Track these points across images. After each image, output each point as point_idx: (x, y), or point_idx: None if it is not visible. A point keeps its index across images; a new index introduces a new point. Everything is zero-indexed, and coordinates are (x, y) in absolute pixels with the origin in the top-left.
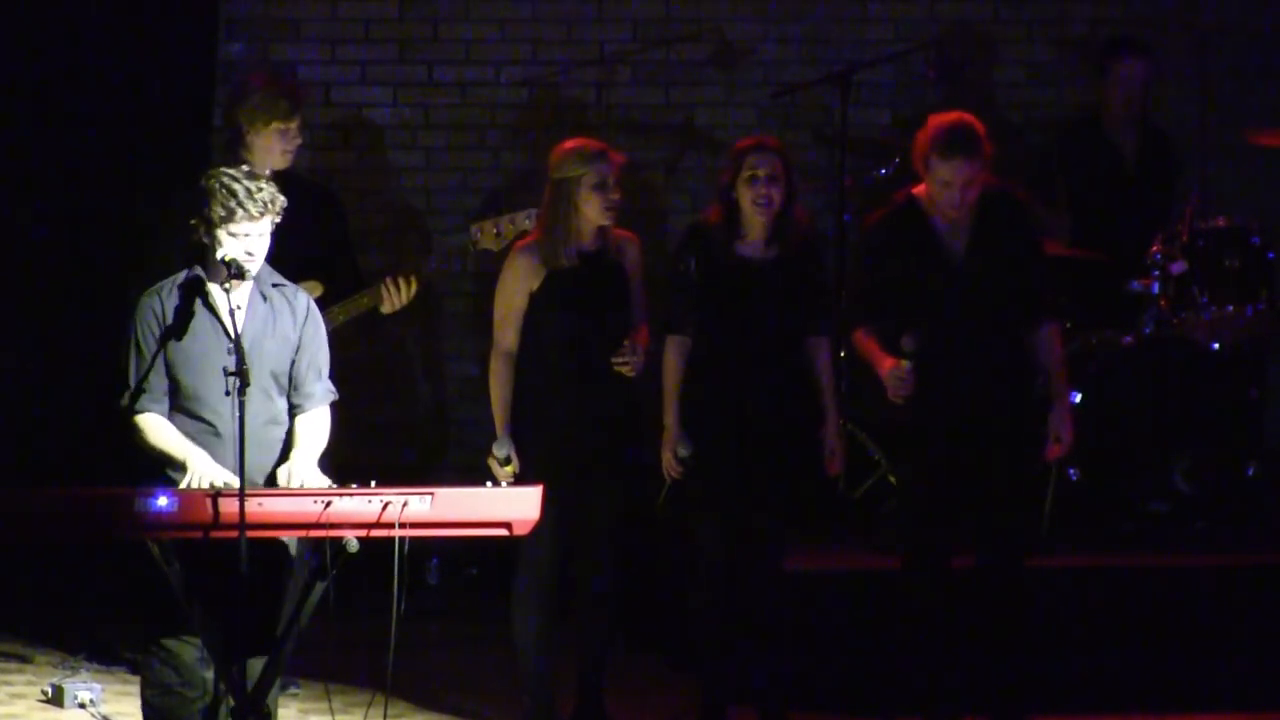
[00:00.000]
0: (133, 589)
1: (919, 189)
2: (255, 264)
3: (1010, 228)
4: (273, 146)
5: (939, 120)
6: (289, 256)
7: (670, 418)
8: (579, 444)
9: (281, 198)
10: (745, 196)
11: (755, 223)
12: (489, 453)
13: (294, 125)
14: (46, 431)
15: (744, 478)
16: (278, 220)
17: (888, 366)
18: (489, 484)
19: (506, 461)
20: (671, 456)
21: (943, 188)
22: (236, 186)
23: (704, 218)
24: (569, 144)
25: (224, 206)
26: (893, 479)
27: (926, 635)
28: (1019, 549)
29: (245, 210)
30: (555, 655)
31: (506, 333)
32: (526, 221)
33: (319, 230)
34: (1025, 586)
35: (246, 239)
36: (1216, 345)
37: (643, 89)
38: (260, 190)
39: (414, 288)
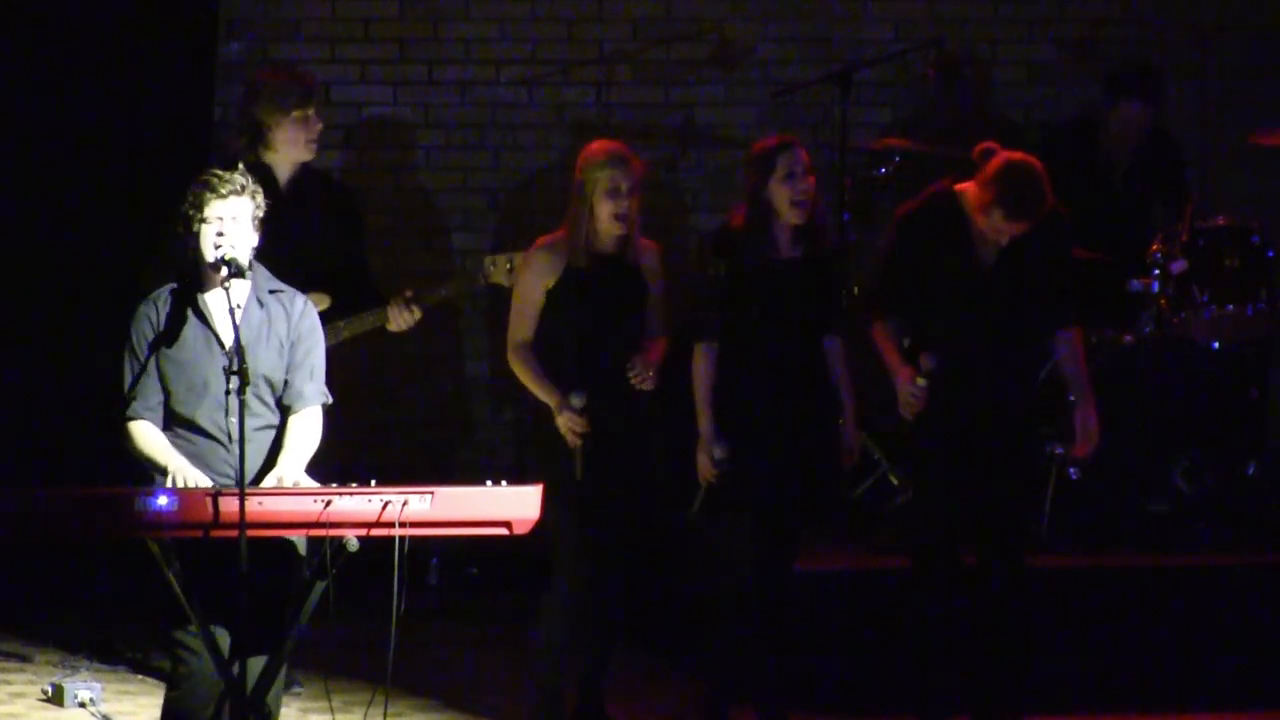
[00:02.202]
0: (149, 588)
1: (964, 186)
2: (238, 252)
3: (1046, 236)
4: (295, 137)
5: (1014, 169)
6: (302, 259)
7: (705, 422)
8: (590, 442)
9: (258, 188)
10: (781, 195)
11: (789, 221)
12: (562, 408)
13: (311, 111)
14: (46, 431)
15: (777, 478)
16: (260, 213)
17: (903, 380)
18: (489, 482)
19: (583, 411)
20: (708, 460)
21: (995, 233)
22: (206, 177)
23: (729, 222)
24: (595, 145)
25: (194, 194)
26: (894, 479)
27: (935, 637)
28: (1021, 552)
29: (213, 192)
30: (572, 656)
31: (522, 325)
32: None
33: (335, 233)
34: (1026, 588)
35: (219, 221)
36: (1216, 345)
37: (643, 89)
38: (231, 176)
39: (418, 315)
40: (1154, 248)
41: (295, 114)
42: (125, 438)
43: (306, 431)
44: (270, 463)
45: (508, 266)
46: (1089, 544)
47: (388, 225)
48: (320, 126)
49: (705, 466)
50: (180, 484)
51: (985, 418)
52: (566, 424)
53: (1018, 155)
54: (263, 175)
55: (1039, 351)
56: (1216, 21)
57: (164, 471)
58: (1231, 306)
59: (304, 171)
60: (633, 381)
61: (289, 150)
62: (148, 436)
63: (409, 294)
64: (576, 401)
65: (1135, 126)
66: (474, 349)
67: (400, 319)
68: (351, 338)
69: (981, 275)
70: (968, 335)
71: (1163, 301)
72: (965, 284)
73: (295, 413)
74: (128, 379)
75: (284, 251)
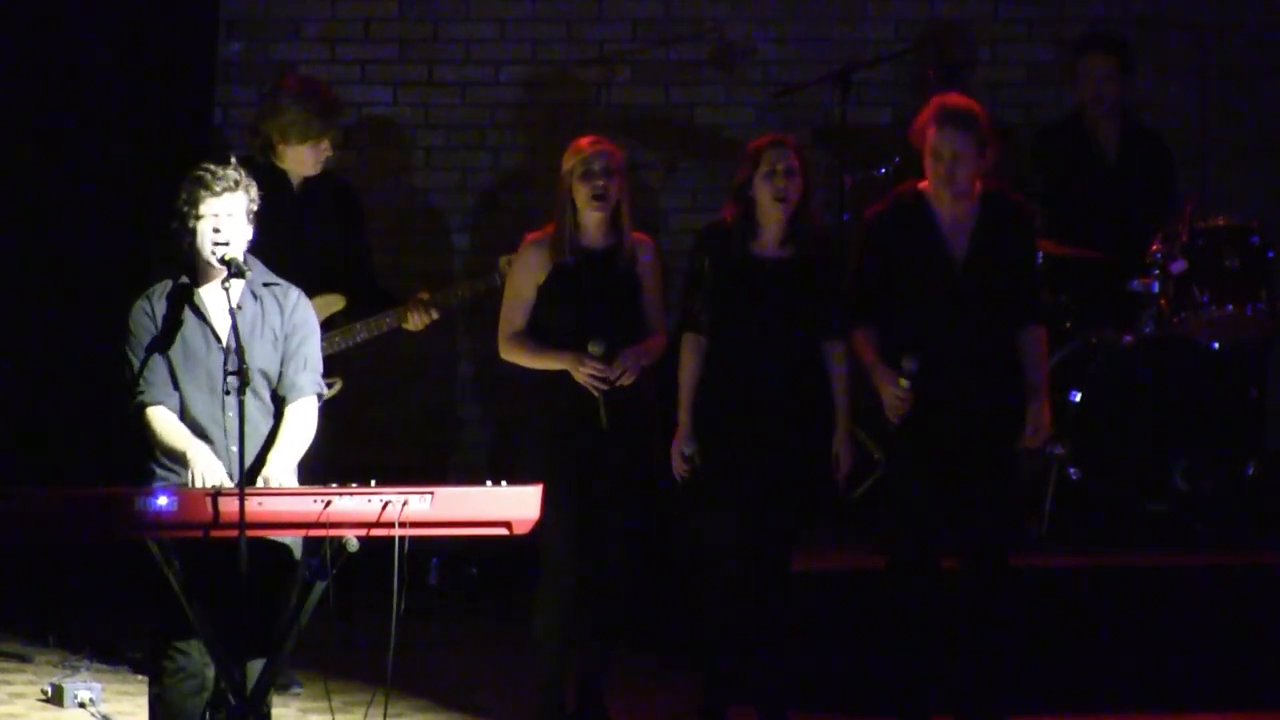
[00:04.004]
0: (141, 589)
1: (924, 184)
2: (237, 251)
3: (1011, 230)
4: (305, 159)
5: (940, 97)
6: (316, 259)
7: (682, 415)
8: (586, 441)
9: (252, 182)
10: (764, 192)
11: (773, 219)
12: (583, 360)
13: (326, 141)
14: (46, 431)
15: (757, 476)
16: (254, 206)
17: (886, 384)
18: (488, 482)
19: (604, 357)
20: (679, 455)
21: (934, 160)
22: (200, 174)
23: (719, 217)
24: (575, 140)
25: (187, 192)
26: None
27: (911, 637)
28: (1002, 551)
29: (207, 189)
30: (570, 656)
31: (514, 320)
32: None
33: (344, 235)
34: (1007, 588)
35: (215, 218)
36: (1216, 345)
37: (643, 89)
38: (225, 172)
39: (436, 315)
40: (1154, 248)
41: (310, 142)
42: (143, 424)
43: (300, 425)
44: (265, 457)
45: None
46: (1089, 544)
47: (388, 225)
48: (330, 152)
49: (676, 460)
50: (200, 471)
51: (964, 414)
52: (588, 374)
53: None
54: (276, 178)
55: (1011, 346)
56: (1216, 23)
57: (183, 458)
58: (1231, 307)
59: (312, 175)
60: (613, 377)
61: (297, 168)
62: (167, 423)
63: (425, 296)
64: (596, 349)
65: (1098, 82)
66: (473, 349)
67: (418, 320)
68: (368, 339)
69: (953, 269)
70: (944, 331)
71: (1163, 301)
72: (938, 279)
73: (290, 404)
74: (135, 368)
75: (297, 253)
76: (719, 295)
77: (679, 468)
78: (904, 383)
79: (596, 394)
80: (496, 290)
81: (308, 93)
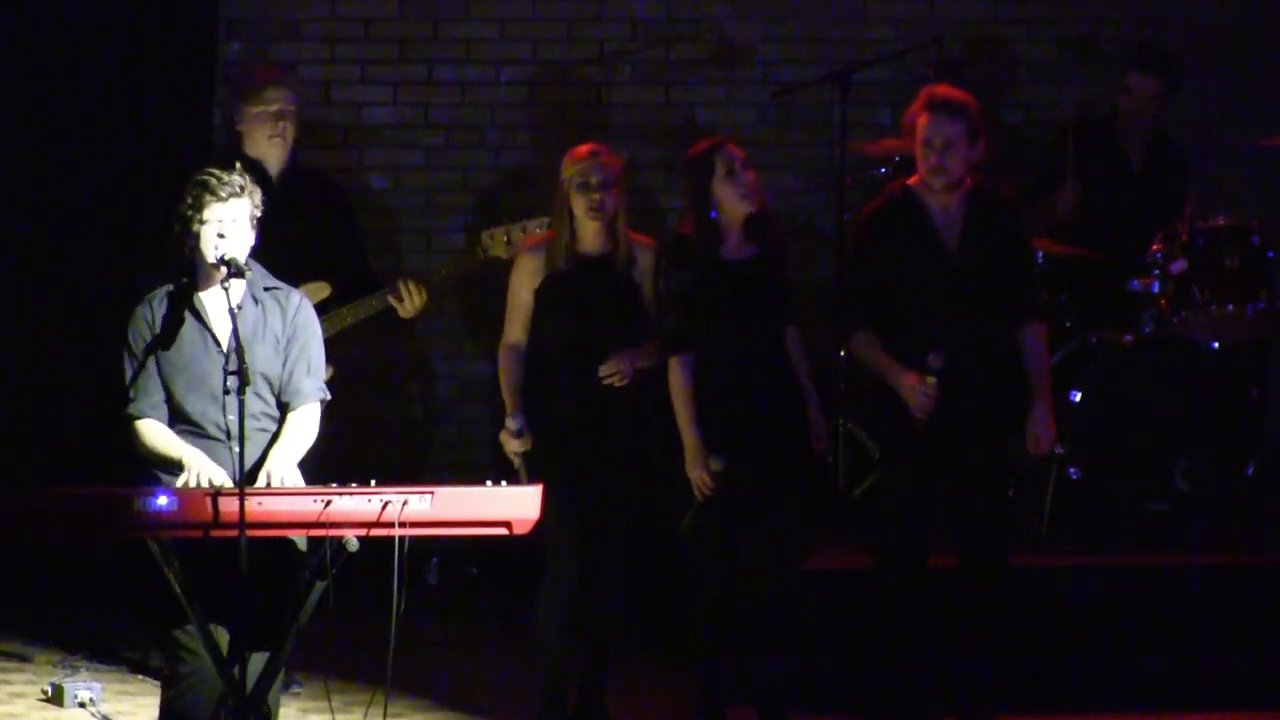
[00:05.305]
0: (147, 590)
1: (914, 180)
2: (237, 252)
3: (1000, 223)
4: (260, 132)
5: (931, 87)
6: (299, 254)
7: (691, 437)
8: (586, 444)
9: (256, 188)
10: (729, 193)
11: (739, 218)
12: (502, 429)
13: (274, 107)
14: (46, 431)
15: (757, 479)
16: (257, 213)
17: (911, 383)
18: (489, 482)
19: (519, 433)
20: (704, 473)
21: (926, 149)
22: (205, 177)
23: (680, 231)
24: (573, 148)
25: (192, 195)
26: None
27: (904, 636)
28: (1002, 549)
29: (213, 194)
30: (571, 656)
31: (513, 328)
32: (538, 230)
33: (330, 228)
34: (1007, 586)
35: (219, 223)
36: (1216, 345)
37: (643, 89)
38: (230, 177)
39: (424, 293)
40: (1154, 248)
41: (256, 108)
42: (132, 436)
43: (302, 427)
44: (267, 457)
45: (505, 239)
46: (1089, 544)
47: (388, 225)
48: (288, 126)
49: (703, 480)
50: (196, 475)
51: (963, 409)
52: (503, 441)
53: None
54: (255, 171)
55: (1009, 341)
56: (1216, 23)
57: (178, 464)
58: (1231, 306)
59: (294, 167)
60: (603, 379)
61: (257, 147)
62: (156, 433)
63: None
64: (512, 425)
65: (1139, 99)
66: (474, 349)
67: (406, 300)
68: (355, 323)
69: (949, 261)
70: (942, 324)
71: (1163, 301)
72: (934, 272)
73: (293, 409)
74: (128, 378)
75: (279, 245)
76: (704, 308)
77: (704, 486)
78: (931, 380)
79: (515, 463)
80: (481, 265)
81: (255, 70)
